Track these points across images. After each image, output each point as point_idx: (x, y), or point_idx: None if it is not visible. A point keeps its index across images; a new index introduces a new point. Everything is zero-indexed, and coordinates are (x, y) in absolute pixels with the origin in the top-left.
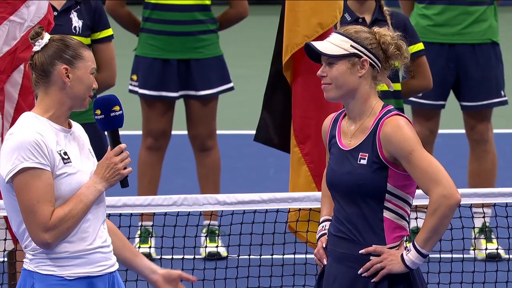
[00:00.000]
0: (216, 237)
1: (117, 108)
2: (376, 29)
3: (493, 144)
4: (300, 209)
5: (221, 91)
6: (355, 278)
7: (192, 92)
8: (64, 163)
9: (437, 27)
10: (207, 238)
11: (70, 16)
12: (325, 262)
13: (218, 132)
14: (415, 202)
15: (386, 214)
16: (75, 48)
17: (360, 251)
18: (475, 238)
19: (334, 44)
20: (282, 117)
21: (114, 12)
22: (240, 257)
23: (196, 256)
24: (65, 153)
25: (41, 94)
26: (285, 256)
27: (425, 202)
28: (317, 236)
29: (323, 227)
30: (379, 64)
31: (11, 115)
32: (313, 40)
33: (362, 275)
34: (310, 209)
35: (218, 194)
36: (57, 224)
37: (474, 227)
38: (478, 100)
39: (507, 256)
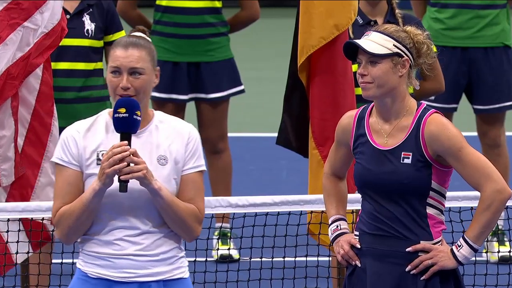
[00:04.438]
0: (228, 240)
1: (138, 113)
2: (408, 28)
3: (505, 148)
4: (312, 212)
5: (232, 94)
6: (403, 275)
7: (202, 95)
8: (97, 164)
9: (450, 31)
10: (219, 241)
11: (83, 19)
12: (358, 264)
13: (230, 134)
14: None
15: (429, 210)
16: (112, 47)
17: (408, 249)
18: (487, 241)
19: (377, 43)
20: (299, 120)
21: (125, 15)
22: (252, 259)
23: (208, 259)
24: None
25: None
26: (297, 258)
27: None
28: (333, 236)
29: (337, 226)
30: (413, 64)
31: (28, 120)
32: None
33: (411, 272)
34: (322, 211)
35: (229, 197)
36: (58, 221)
37: None
38: (490, 104)
39: None
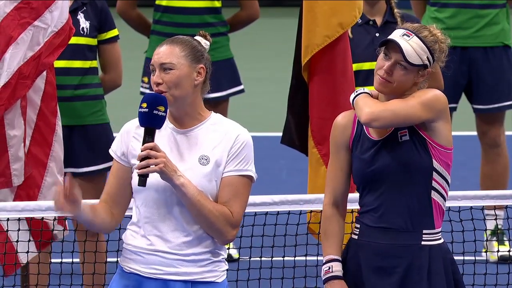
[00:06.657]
0: None
1: (161, 108)
2: (438, 34)
3: (505, 148)
4: (311, 211)
5: (231, 94)
6: (408, 269)
7: None
8: None
9: (449, 30)
10: None
11: (78, 17)
12: None
13: None
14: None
15: (434, 195)
16: None
17: None
18: (487, 240)
19: (415, 51)
20: (302, 119)
21: (125, 14)
22: (251, 259)
23: None
24: None
25: None
26: (297, 258)
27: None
28: (324, 278)
29: (329, 268)
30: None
31: (34, 121)
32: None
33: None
34: (321, 211)
35: None
36: None
37: (486, 229)
38: (490, 103)
39: None
